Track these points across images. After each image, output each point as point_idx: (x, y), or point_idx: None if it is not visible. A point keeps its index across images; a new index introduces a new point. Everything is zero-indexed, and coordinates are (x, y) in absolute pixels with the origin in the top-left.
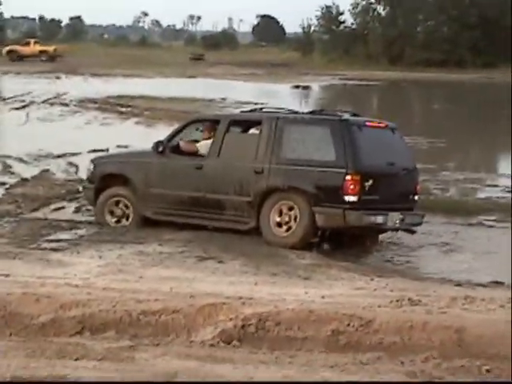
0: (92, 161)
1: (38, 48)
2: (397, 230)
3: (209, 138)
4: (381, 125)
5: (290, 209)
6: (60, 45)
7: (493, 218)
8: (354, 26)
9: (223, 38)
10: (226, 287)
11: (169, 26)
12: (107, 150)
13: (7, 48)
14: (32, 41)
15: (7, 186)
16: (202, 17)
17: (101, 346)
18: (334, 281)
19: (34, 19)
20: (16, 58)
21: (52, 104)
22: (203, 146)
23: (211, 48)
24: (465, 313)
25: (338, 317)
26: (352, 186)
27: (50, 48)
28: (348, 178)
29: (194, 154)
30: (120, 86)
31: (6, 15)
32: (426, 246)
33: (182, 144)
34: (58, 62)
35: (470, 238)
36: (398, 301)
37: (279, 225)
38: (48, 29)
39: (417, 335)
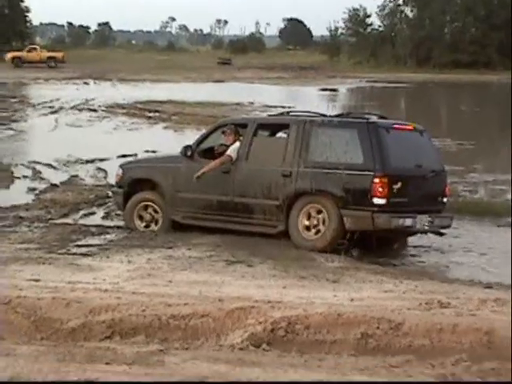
0: (120, 166)
1: (47, 54)
2: (425, 232)
3: (234, 143)
4: (408, 127)
5: (319, 212)
6: (89, 50)
7: None
8: (381, 29)
9: (250, 42)
10: (254, 291)
11: (196, 30)
12: (136, 155)
13: (10, 54)
14: (38, 47)
15: (37, 192)
16: (229, 21)
17: (130, 350)
18: (362, 283)
19: (62, 26)
20: (21, 64)
21: (80, 110)
22: (232, 150)
23: (238, 52)
24: (495, 315)
25: (367, 320)
26: (380, 189)
27: (59, 54)
28: (376, 180)
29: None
30: (148, 91)
31: (35, 22)
32: (454, 248)
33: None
34: (83, 68)
35: (499, 240)
36: (427, 303)
37: (308, 228)
38: (76, 35)
39: (446, 338)
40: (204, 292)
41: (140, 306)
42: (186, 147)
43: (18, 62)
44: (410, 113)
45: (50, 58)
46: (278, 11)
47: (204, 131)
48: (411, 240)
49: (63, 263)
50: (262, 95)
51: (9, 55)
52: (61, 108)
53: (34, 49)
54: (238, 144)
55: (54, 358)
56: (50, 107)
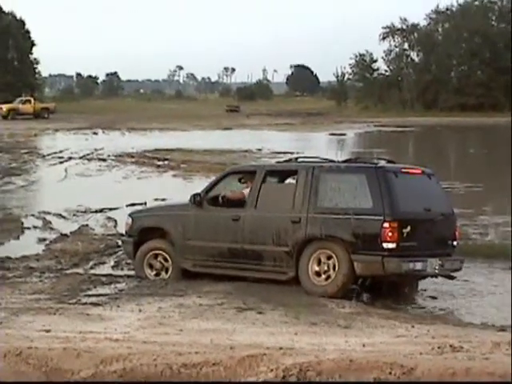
0: (130, 215)
1: (40, 105)
2: (436, 276)
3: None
4: (417, 171)
5: (329, 258)
6: (98, 100)
7: None
8: (387, 73)
9: (258, 89)
10: (266, 338)
11: (203, 78)
12: (145, 203)
13: (5, 107)
14: (32, 99)
15: (47, 242)
16: (237, 68)
17: None
18: (374, 329)
19: (71, 76)
20: (16, 116)
21: (90, 159)
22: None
23: (246, 99)
24: (508, 358)
25: (379, 365)
26: (390, 233)
27: (51, 105)
28: (386, 225)
29: (242, 200)
30: (156, 139)
31: (44, 73)
32: (466, 292)
33: (230, 194)
34: (92, 118)
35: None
36: (439, 347)
37: (318, 274)
38: (85, 85)
39: (460, 382)
40: (215, 340)
41: (151, 355)
42: (195, 195)
43: (13, 114)
44: (419, 156)
45: (43, 109)
46: (284, 58)
47: (213, 179)
48: (422, 284)
49: (74, 313)
50: (271, 142)
51: (4, 108)
52: (70, 158)
53: (28, 101)
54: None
55: None
56: (60, 157)
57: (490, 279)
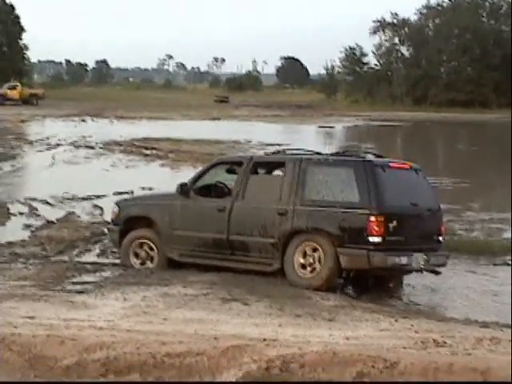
0: (117, 203)
1: (28, 91)
2: (421, 271)
3: None
4: (404, 166)
5: (315, 250)
6: (87, 87)
7: None
8: (377, 68)
9: (247, 80)
10: (250, 329)
11: (193, 68)
12: (132, 192)
13: None
14: (19, 85)
15: (33, 229)
16: (227, 59)
17: None
18: (358, 322)
19: (60, 63)
20: (3, 102)
21: (78, 147)
22: None
23: (236, 90)
24: (491, 354)
25: (363, 358)
26: (376, 227)
27: (40, 91)
28: (372, 219)
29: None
30: (145, 128)
31: (33, 60)
32: (450, 287)
33: None
34: (81, 105)
35: (495, 279)
36: (422, 342)
37: (303, 266)
38: (74, 72)
39: (442, 377)
40: (199, 330)
41: (135, 343)
42: (182, 185)
43: (1, 100)
44: (407, 151)
45: (31, 95)
46: (275, 49)
47: (200, 169)
48: (407, 278)
49: (58, 300)
50: (259, 133)
51: None
52: (58, 145)
53: (16, 86)
54: None
55: None
56: (47, 144)
57: (473, 275)
